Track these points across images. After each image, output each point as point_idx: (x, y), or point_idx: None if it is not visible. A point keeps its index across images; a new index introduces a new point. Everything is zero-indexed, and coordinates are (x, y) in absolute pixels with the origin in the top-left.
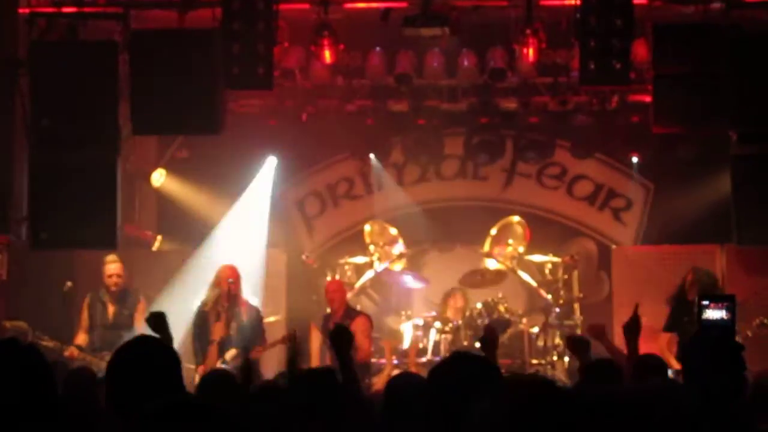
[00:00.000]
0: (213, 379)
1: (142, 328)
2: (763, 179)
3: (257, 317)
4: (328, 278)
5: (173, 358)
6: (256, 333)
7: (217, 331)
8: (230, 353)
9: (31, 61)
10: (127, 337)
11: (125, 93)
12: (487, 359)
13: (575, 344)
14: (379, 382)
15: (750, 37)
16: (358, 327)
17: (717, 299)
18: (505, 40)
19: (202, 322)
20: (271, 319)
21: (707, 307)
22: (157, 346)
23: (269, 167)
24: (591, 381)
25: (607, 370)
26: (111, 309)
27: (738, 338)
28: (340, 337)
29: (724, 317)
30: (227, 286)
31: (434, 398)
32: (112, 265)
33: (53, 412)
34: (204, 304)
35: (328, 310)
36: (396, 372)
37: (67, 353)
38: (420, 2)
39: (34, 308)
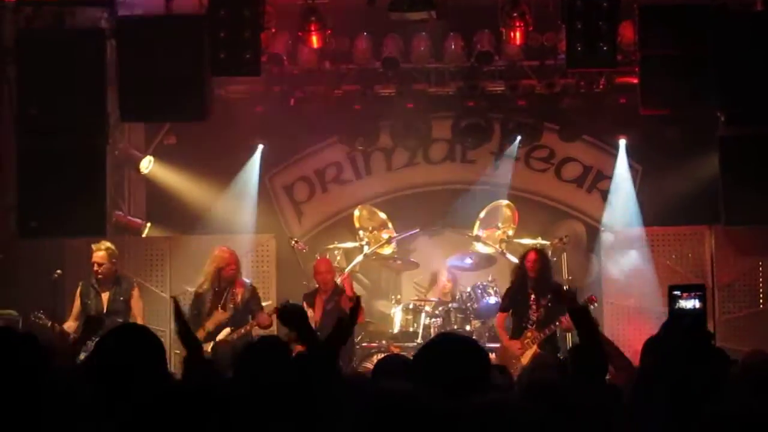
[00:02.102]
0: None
1: (138, 313)
2: (751, 160)
3: (252, 294)
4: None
5: (158, 346)
6: (251, 310)
7: (217, 315)
8: (224, 332)
9: (18, 50)
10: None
11: (113, 80)
12: (472, 340)
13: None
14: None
15: (736, 18)
16: (347, 303)
17: (688, 289)
18: (492, 24)
19: (198, 305)
20: (263, 304)
21: (679, 297)
22: (141, 333)
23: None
24: (577, 365)
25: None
26: (105, 296)
27: None
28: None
29: (696, 306)
30: (223, 270)
31: (420, 380)
32: (95, 254)
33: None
34: (199, 286)
35: (316, 287)
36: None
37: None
38: None
39: (23, 297)
